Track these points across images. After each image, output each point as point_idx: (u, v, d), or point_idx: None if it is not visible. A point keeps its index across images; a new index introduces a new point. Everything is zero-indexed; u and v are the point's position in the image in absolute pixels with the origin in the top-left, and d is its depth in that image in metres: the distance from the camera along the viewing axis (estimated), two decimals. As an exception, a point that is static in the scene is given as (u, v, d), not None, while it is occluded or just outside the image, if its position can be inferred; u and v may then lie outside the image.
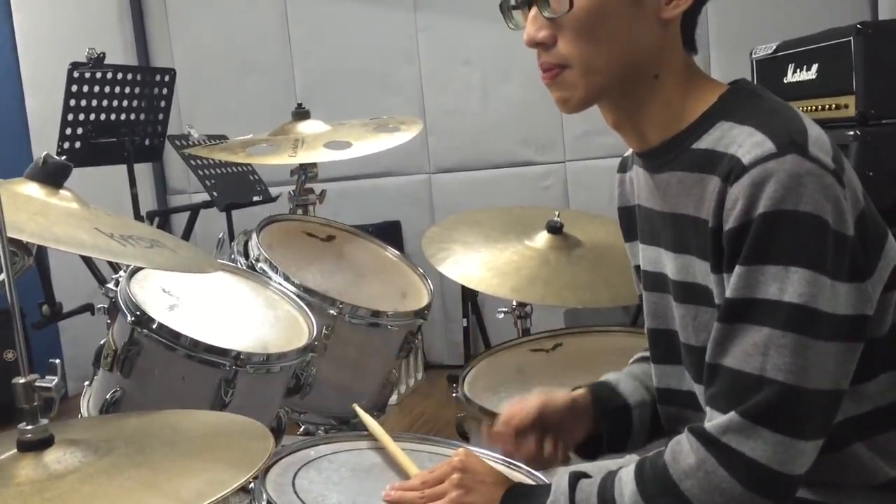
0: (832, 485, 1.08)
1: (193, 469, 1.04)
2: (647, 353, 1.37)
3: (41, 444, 1.04)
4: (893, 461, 1.07)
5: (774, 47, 2.67)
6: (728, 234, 0.99)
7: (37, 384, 1.02)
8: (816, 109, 2.44)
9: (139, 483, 0.99)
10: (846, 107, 2.35)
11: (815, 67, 2.49)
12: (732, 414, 0.97)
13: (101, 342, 1.67)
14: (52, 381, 1.03)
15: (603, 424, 1.30)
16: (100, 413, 1.59)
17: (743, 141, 1.00)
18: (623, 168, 1.28)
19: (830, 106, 2.40)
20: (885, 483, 1.07)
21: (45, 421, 1.04)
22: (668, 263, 1.15)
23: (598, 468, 1.33)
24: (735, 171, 0.98)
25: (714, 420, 0.99)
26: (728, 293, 1.00)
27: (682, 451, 1.00)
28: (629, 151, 1.24)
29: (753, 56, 2.77)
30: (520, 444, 1.26)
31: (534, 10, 1.08)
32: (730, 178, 0.99)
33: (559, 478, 1.09)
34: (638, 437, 1.32)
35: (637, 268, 1.26)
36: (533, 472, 1.27)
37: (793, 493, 0.98)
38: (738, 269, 0.98)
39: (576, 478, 1.07)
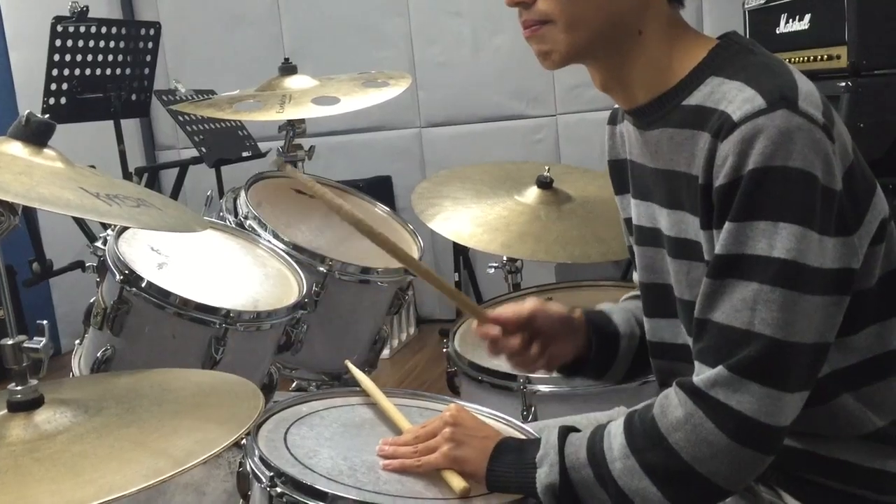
0: (821, 435, 1.09)
1: (184, 428, 1.05)
2: (636, 294, 1.38)
3: (31, 404, 1.04)
4: (880, 411, 1.08)
5: (767, -3, 2.64)
6: (718, 190, 0.99)
7: (25, 345, 1.02)
8: (808, 60, 2.42)
9: (130, 442, 1.00)
10: (838, 57, 2.33)
11: (807, 18, 2.46)
12: (720, 368, 0.98)
13: (91, 300, 1.67)
14: (39, 342, 1.03)
15: (592, 347, 1.31)
16: (91, 371, 1.59)
17: (733, 97, 0.99)
18: (613, 120, 1.28)
19: (822, 57, 2.39)
20: (873, 433, 1.08)
21: (34, 381, 1.05)
22: (662, 219, 1.15)
23: (587, 421, 1.35)
24: (725, 127, 0.98)
25: (702, 374, 1.00)
26: (717, 249, 1.00)
27: (670, 404, 1.02)
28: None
29: (745, 6, 2.74)
30: (507, 340, 1.26)
31: None
32: (720, 135, 0.98)
33: (549, 432, 1.10)
34: (619, 367, 1.33)
35: (627, 220, 1.26)
36: (524, 427, 1.28)
37: (779, 444, 1.00)
38: (727, 225, 0.98)
39: (565, 431, 1.09)
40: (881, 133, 2.22)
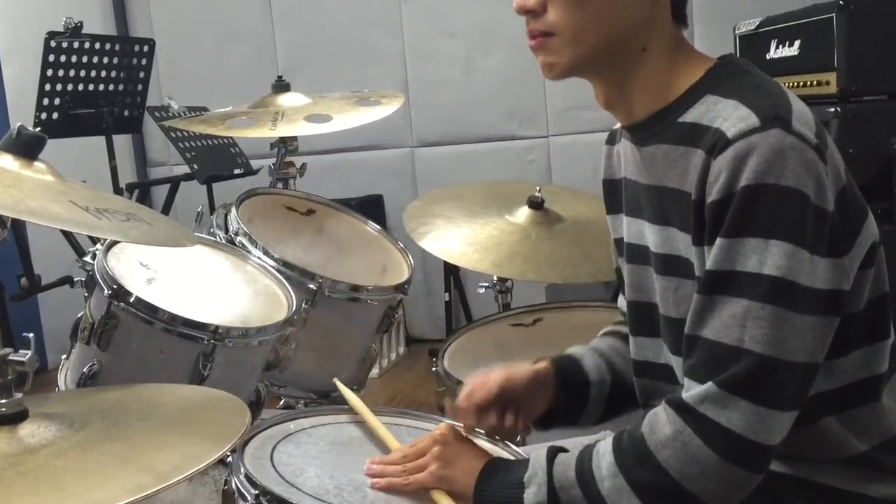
0: (803, 458, 1.09)
1: (169, 443, 1.04)
2: (616, 328, 1.37)
3: (15, 417, 1.03)
4: (863, 435, 1.08)
5: (758, 23, 2.67)
6: (710, 206, 0.99)
7: (10, 358, 1.01)
8: (798, 86, 2.44)
9: (114, 457, 0.99)
10: (828, 83, 2.35)
11: (797, 43, 2.49)
12: (710, 384, 0.98)
13: (79, 315, 1.66)
14: (25, 354, 1.02)
15: (561, 397, 1.31)
16: (77, 387, 1.58)
17: (728, 115, 1.00)
18: (612, 140, 1.28)
19: (812, 82, 2.41)
20: (855, 457, 1.08)
21: (19, 395, 1.04)
22: (649, 236, 1.15)
23: (574, 444, 1.35)
24: (719, 144, 0.99)
25: (691, 390, 1.00)
26: (708, 265, 1.00)
27: (658, 421, 1.01)
28: (618, 125, 1.24)
29: (737, 31, 2.76)
30: (481, 418, 1.26)
31: None
32: (714, 151, 0.99)
33: (537, 452, 1.10)
34: (591, 414, 1.33)
35: (618, 241, 1.27)
36: (511, 445, 1.27)
37: (767, 462, 1.00)
38: (718, 241, 0.99)
39: (554, 452, 1.08)
40: (870, 158, 2.24)
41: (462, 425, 1.24)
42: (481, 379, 1.29)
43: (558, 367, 1.32)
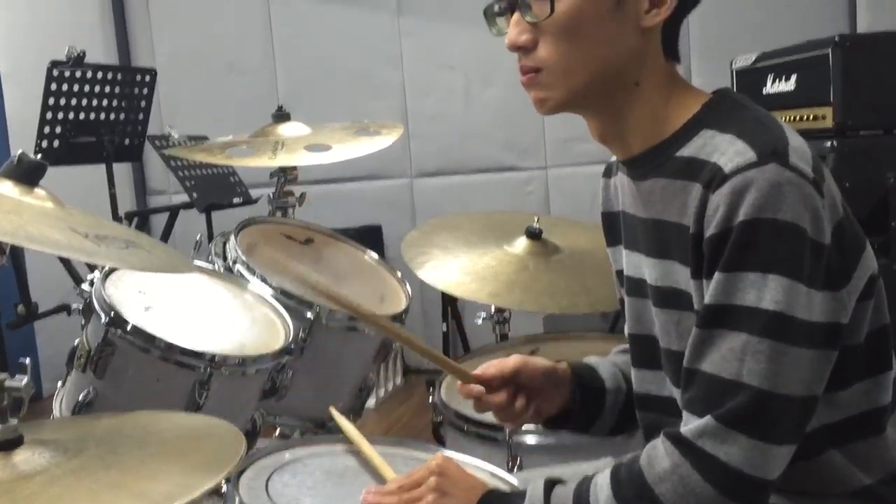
0: (807, 493, 1.08)
1: (164, 471, 1.03)
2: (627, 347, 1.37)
3: (10, 444, 1.03)
4: (867, 469, 1.08)
5: (754, 58, 2.69)
6: (708, 240, 1.00)
7: (6, 384, 1.01)
8: (795, 120, 2.46)
9: (108, 485, 0.98)
10: (824, 118, 2.37)
11: (793, 78, 2.51)
12: (708, 418, 0.98)
13: (75, 342, 1.66)
14: (21, 380, 1.02)
15: (577, 400, 1.30)
16: (72, 414, 1.57)
17: (725, 149, 1.01)
18: (608, 173, 1.29)
19: (808, 116, 2.42)
20: (859, 490, 1.08)
21: (14, 421, 1.03)
22: (646, 269, 1.16)
23: (573, 472, 1.34)
24: (717, 179, 0.99)
25: (690, 424, 1.00)
26: (707, 299, 1.00)
27: (657, 455, 1.01)
28: (614, 158, 1.24)
29: (733, 66, 2.79)
30: (492, 396, 1.25)
31: (516, 15, 1.09)
32: (711, 185, 1.00)
33: (534, 484, 1.09)
34: (605, 422, 1.32)
35: (619, 273, 1.27)
36: (507, 477, 1.26)
37: (766, 497, 0.99)
38: (717, 275, 0.99)
39: (551, 484, 1.08)
40: (866, 192, 2.25)
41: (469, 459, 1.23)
42: (497, 361, 1.28)
43: (576, 370, 1.32)
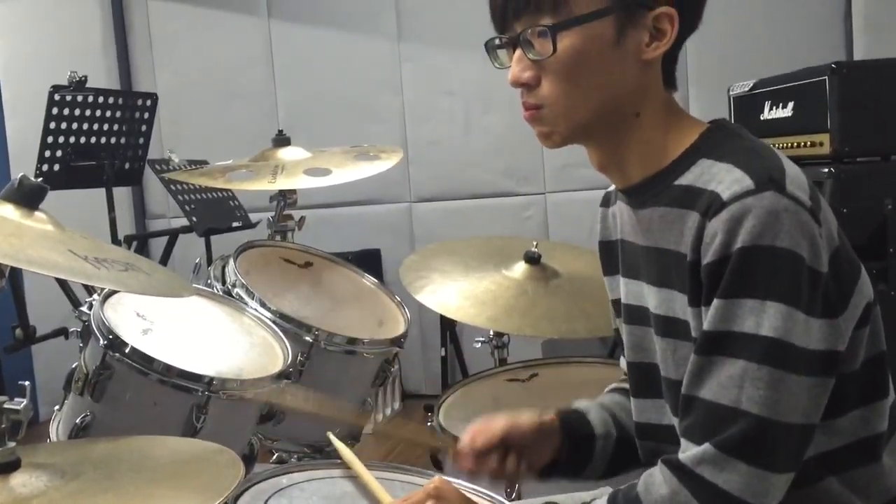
0: (806, 521, 1.08)
1: (161, 496, 1.03)
2: (621, 385, 1.37)
3: (8, 466, 1.02)
4: (866, 496, 1.07)
5: (751, 85, 2.71)
6: (706, 267, 1.00)
7: (5, 406, 1.01)
8: (792, 146, 2.47)
9: (105, 509, 0.98)
10: (821, 144, 2.38)
11: (790, 105, 2.53)
12: (707, 445, 0.98)
13: (73, 366, 1.65)
14: (20, 403, 1.02)
15: (565, 450, 1.30)
16: (69, 438, 1.56)
17: (722, 177, 1.02)
18: (606, 203, 1.29)
19: (806, 143, 2.44)
20: (859, 518, 1.07)
21: (12, 443, 1.03)
22: (649, 297, 1.16)
23: (571, 501, 1.33)
24: (714, 207, 1.00)
25: (688, 451, 1.00)
26: (705, 326, 1.00)
27: (654, 482, 1.01)
28: (612, 187, 1.25)
29: (731, 93, 2.81)
30: (482, 462, 1.26)
31: (518, 52, 1.09)
32: (709, 213, 1.00)
33: (531, 509, 1.09)
34: (596, 468, 1.32)
35: (616, 302, 1.27)
36: (505, 502, 1.26)
37: (764, 526, 0.98)
38: (715, 302, 0.99)
39: (548, 509, 1.07)
40: (864, 218, 2.26)
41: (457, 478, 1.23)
42: (484, 424, 1.28)
43: (564, 418, 1.32)
